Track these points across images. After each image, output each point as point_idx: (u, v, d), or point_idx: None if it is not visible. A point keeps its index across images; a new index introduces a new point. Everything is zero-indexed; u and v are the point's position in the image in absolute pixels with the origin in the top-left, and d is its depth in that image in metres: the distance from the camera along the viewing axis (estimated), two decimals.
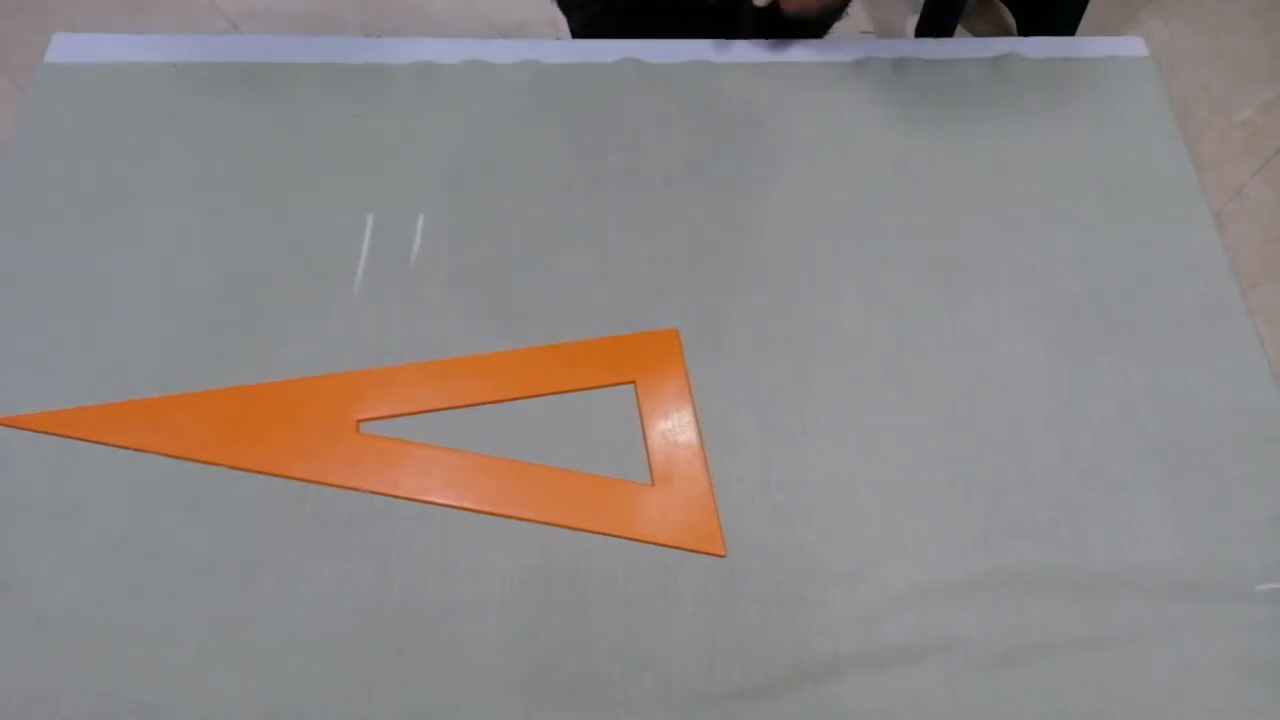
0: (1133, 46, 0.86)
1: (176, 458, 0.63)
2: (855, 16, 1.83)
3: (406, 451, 0.64)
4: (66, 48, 0.80)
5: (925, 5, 1.68)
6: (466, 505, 0.62)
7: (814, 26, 0.88)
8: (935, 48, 0.85)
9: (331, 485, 0.63)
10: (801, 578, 0.61)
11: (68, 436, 0.63)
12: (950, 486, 0.64)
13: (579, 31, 1.06)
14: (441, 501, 0.62)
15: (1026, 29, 1.73)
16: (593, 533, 0.62)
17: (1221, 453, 0.66)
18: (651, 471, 0.64)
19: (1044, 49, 0.85)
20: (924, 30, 1.70)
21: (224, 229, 0.72)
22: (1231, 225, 1.60)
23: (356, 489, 0.62)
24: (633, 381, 0.67)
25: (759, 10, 0.77)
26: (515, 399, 0.66)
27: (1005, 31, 1.81)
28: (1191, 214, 0.76)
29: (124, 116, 0.77)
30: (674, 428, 0.65)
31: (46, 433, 0.63)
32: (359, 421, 0.65)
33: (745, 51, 0.82)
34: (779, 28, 0.81)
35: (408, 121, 0.78)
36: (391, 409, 0.65)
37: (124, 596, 0.59)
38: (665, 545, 0.61)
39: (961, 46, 0.85)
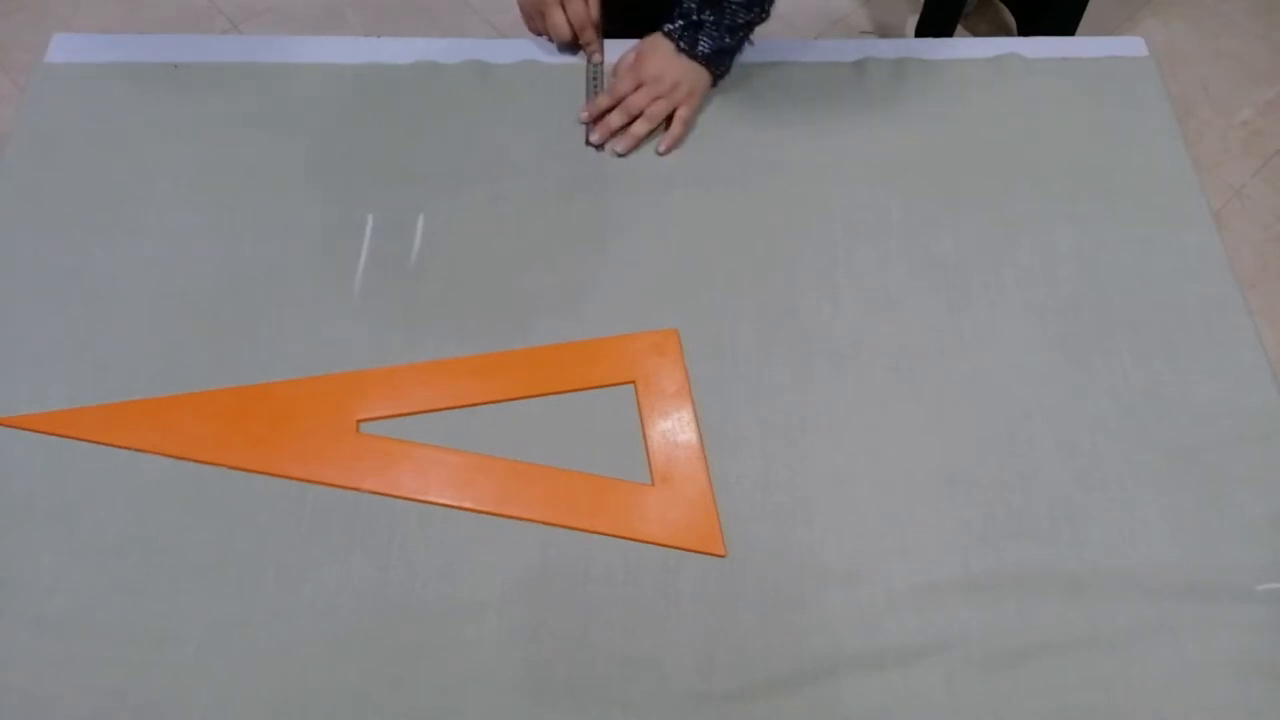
0: (1133, 46, 0.86)
1: (176, 458, 0.63)
2: (855, 16, 1.83)
3: (406, 451, 0.64)
4: (66, 47, 0.80)
5: (925, 5, 1.69)
6: (466, 505, 0.62)
7: None
8: (935, 48, 0.85)
9: (331, 485, 0.62)
10: (801, 578, 0.61)
11: (68, 436, 0.63)
12: (950, 486, 0.64)
13: None
14: (441, 501, 0.62)
15: (1026, 29, 1.73)
16: (593, 533, 0.62)
17: (1221, 453, 0.66)
18: (651, 471, 0.64)
19: (1044, 49, 0.85)
20: (924, 30, 1.71)
21: (224, 229, 0.72)
22: (1231, 225, 1.60)
23: (356, 489, 0.62)
24: (633, 381, 0.67)
25: None
26: (515, 399, 0.66)
27: (1005, 31, 1.81)
28: (1191, 214, 0.76)
29: (124, 116, 0.77)
30: (674, 428, 0.65)
31: (46, 433, 0.63)
32: (359, 421, 0.65)
33: (745, 52, 0.82)
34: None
35: (408, 121, 0.78)
36: (391, 409, 0.65)
37: (124, 596, 0.59)
38: (665, 545, 0.61)
39: (961, 46, 0.85)
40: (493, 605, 0.59)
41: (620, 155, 0.77)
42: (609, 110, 0.77)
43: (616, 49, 0.82)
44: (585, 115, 0.78)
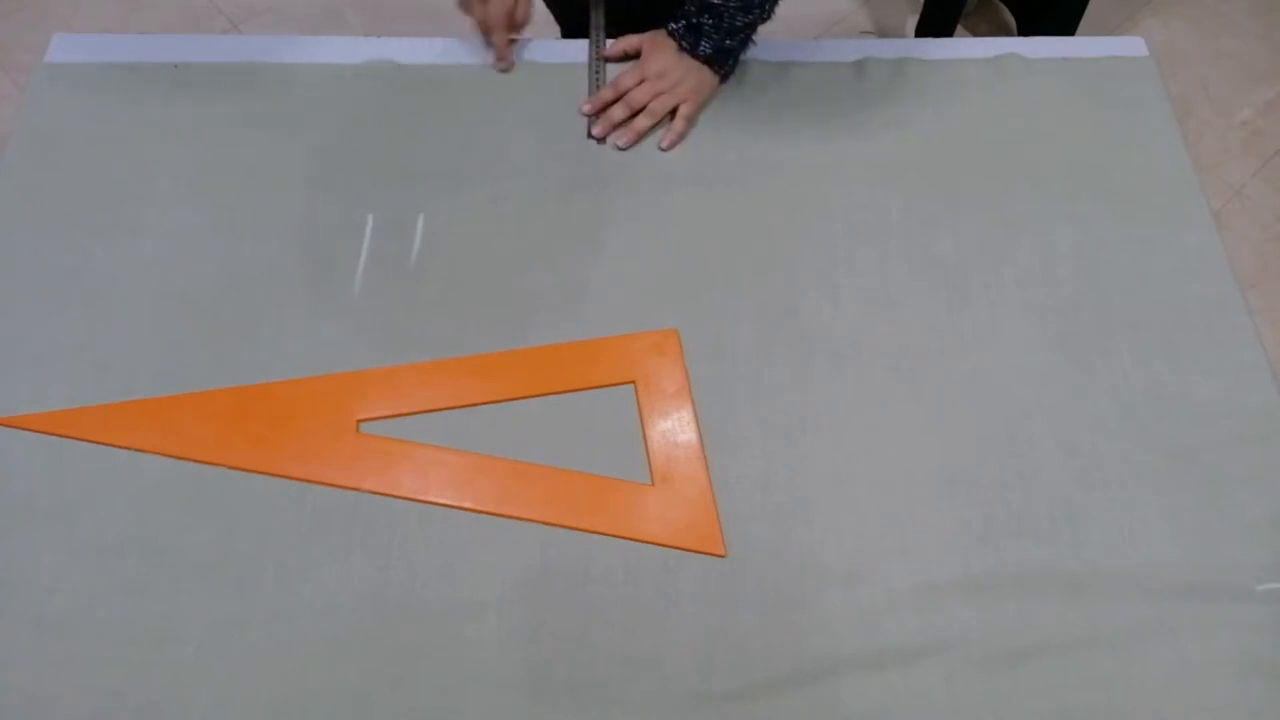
0: (1133, 46, 0.86)
1: (176, 458, 0.63)
2: (855, 17, 1.83)
3: (406, 451, 0.64)
4: (66, 47, 0.80)
5: (925, 5, 1.68)
6: (466, 505, 0.62)
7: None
8: (935, 48, 0.85)
9: (331, 485, 0.62)
10: (801, 578, 0.61)
11: (68, 436, 0.63)
12: (950, 486, 0.64)
13: (570, 33, 1.06)
14: (441, 501, 0.62)
15: (1026, 29, 1.73)
16: (593, 533, 0.62)
17: (1221, 453, 0.66)
18: (651, 471, 0.64)
19: (1044, 49, 0.85)
20: (924, 30, 1.70)
21: (224, 229, 0.72)
22: (1231, 225, 1.60)
23: (356, 489, 0.62)
24: (633, 381, 0.67)
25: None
26: (515, 399, 0.66)
27: (1005, 31, 1.81)
28: (1191, 214, 0.76)
29: (124, 116, 0.77)
30: (674, 428, 0.65)
31: (46, 433, 0.63)
32: (359, 421, 0.65)
33: (746, 51, 0.82)
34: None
35: (407, 121, 0.78)
36: (391, 409, 0.65)
37: (124, 596, 0.59)
38: (665, 545, 0.61)
39: (961, 46, 0.85)
40: (493, 605, 0.59)
41: (621, 149, 0.77)
42: (611, 104, 0.77)
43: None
44: (587, 108, 0.78)
